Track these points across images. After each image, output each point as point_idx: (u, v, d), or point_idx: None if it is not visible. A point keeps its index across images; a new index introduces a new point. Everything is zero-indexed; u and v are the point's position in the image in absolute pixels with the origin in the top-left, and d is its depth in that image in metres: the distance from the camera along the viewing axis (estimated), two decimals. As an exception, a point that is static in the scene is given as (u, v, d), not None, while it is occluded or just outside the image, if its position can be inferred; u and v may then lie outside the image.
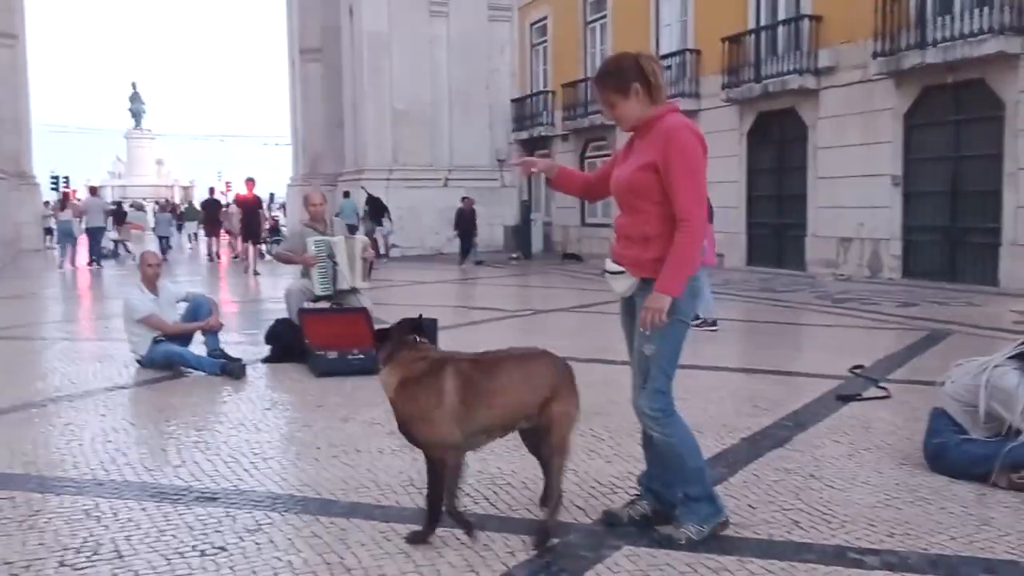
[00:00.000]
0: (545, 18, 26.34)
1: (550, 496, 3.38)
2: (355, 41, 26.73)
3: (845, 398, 5.91)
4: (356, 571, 3.08)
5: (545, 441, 3.35)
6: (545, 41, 26.59)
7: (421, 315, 3.69)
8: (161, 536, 3.42)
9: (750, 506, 3.76)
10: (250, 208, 19.76)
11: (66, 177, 47.20)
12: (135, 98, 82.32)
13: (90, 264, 20.72)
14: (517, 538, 3.36)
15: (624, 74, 3.24)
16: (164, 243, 24.53)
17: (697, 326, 8.27)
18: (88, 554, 3.25)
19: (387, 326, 3.55)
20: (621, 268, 3.32)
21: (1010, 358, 4.13)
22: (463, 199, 22.31)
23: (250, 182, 19.93)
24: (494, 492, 3.94)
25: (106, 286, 16.51)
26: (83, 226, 21.99)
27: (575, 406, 3.42)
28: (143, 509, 3.73)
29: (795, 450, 4.67)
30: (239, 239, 21.89)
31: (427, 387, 3.24)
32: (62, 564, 3.17)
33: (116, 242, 26.58)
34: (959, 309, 11.09)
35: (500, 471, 4.23)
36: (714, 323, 9.14)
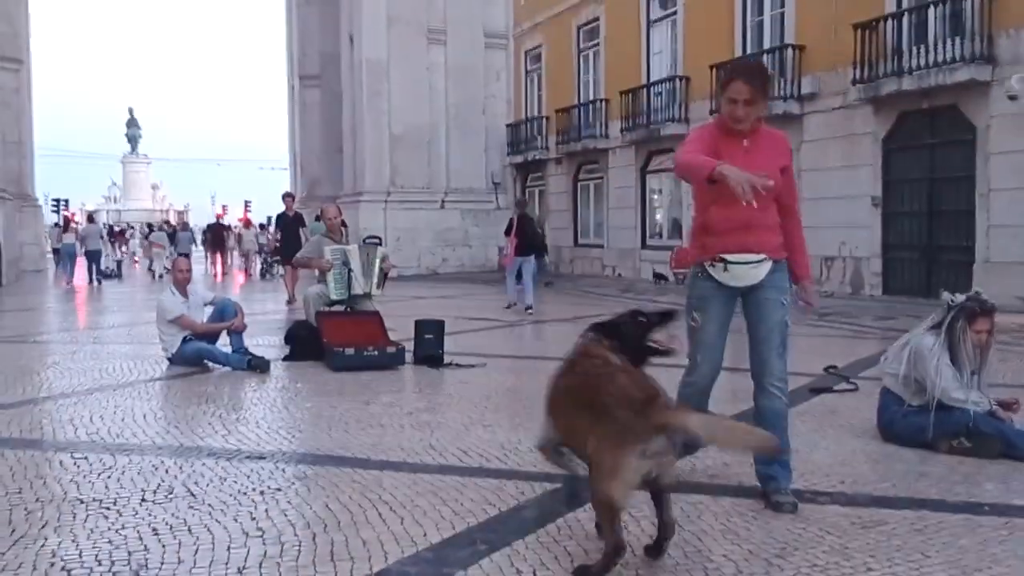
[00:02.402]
0: (540, 46, 27.19)
1: None
2: (355, 67, 27.50)
3: (817, 390, 6.54)
4: (393, 504, 3.69)
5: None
6: (539, 68, 27.42)
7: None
8: (223, 482, 4.03)
9: (725, 464, 4.39)
10: (291, 226, 16.18)
11: (66, 200, 47.84)
12: (132, 123, 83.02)
13: (90, 283, 21.85)
14: (526, 484, 3.98)
15: (769, 81, 3.81)
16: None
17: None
18: (165, 493, 3.86)
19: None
20: (763, 255, 3.72)
21: (930, 328, 4.77)
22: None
23: (289, 198, 16.93)
24: (505, 454, 4.56)
25: (116, 300, 17.11)
26: (83, 249, 23.52)
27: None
28: (203, 464, 4.34)
29: (767, 426, 5.29)
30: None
31: None
32: (143, 500, 3.76)
33: (118, 262, 28.00)
34: (932, 321, 11.72)
35: (508, 440, 4.86)
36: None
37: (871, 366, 8.03)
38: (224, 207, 62.97)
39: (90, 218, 28.21)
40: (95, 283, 21.68)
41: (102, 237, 26.31)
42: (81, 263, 23.19)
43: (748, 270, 3.73)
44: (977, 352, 4.66)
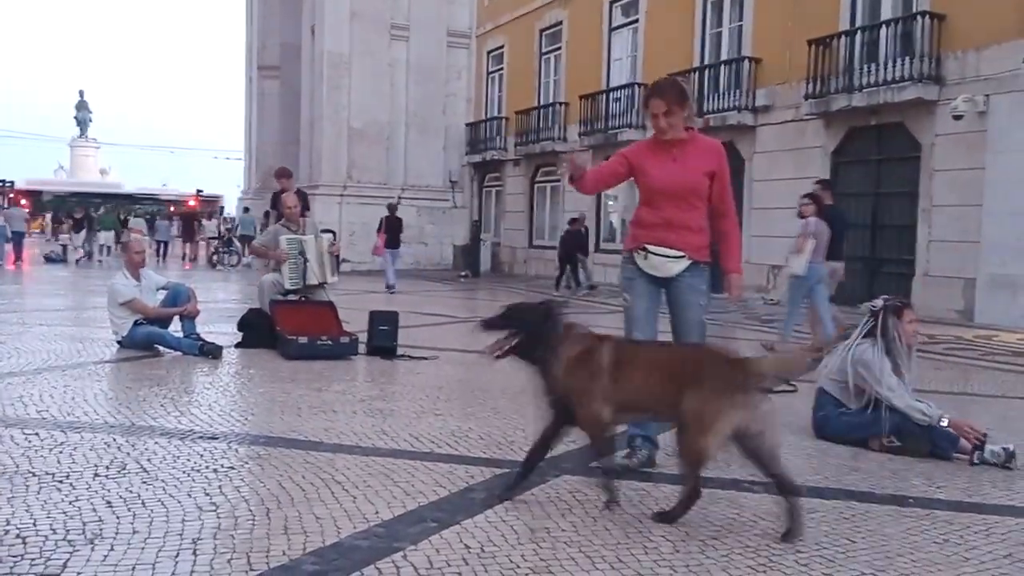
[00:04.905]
0: (502, 47, 27.33)
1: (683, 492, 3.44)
2: (315, 60, 27.37)
3: (759, 391, 6.75)
4: (345, 483, 3.77)
5: (681, 438, 3.39)
6: (501, 69, 27.56)
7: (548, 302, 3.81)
8: (176, 460, 4.07)
9: (667, 454, 4.54)
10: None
11: (11, 181, 46.79)
12: (82, 106, 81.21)
13: (15, 263, 22.67)
14: (475, 468, 4.10)
15: (685, 93, 4.15)
16: (163, 248, 27.74)
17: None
18: (118, 468, 3.89)
19: (509, 311, 3.70)
20: (681, 253, 4.14)
21: (863, 337, 4.99)
22: (572, 221, 19.58)
23: (286, 178, 11.14)
24: (456, 440, 4.68)
25: (62, 283, 16.84)
26: (8, 231, 23.92)
27: (719, 406, 3.27)
28: (156, 443, 4.37)
29: (710, 422, 5.48)
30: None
31: (589, 364, 3.47)
32: (96, 475, 3.80)
33: (63, 247, 27.83)
34: (872, 330, 12.10)
35: (459, 427, 4.97)
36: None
37: (809, 370, 8.31)
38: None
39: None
40: (17, 265, 22.44)
41: (26, 220, 28.07)
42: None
43: (664, 262, 4.17)
44: (908, 348, 4.89)
